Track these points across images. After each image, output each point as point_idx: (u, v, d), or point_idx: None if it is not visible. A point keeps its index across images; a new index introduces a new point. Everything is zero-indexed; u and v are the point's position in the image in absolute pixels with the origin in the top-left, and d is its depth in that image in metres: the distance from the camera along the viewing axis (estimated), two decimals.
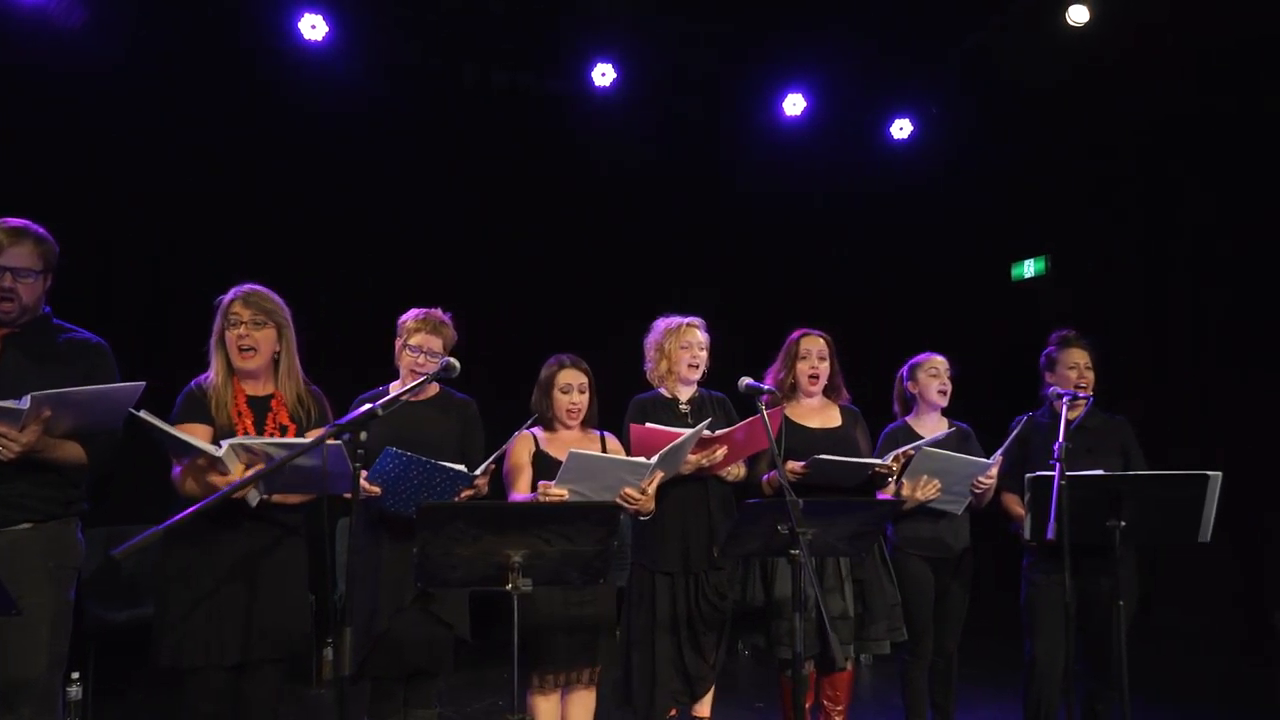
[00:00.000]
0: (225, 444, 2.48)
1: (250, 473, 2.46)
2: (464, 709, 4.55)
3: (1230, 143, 5.44)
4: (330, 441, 2.35)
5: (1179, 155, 5.72)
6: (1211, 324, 5.61)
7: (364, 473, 2.49)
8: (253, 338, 2.72)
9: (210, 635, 2.60)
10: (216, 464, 2.48)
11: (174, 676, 2.64)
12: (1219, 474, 2.92)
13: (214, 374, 2.75)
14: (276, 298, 2.81)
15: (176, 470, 2.62)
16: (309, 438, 2.71)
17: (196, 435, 2.57)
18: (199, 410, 2.70)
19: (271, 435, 2.71)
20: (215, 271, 3.03)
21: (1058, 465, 2.92)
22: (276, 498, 2.66)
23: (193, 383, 2.78)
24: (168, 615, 2.64)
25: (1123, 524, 2.93)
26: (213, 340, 2.77)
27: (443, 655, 3.01)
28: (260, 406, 2.76)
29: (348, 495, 2.33)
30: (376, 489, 2.73)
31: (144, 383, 2.41)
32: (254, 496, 2.57)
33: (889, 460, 3.31)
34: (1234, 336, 5.51)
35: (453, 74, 5.92)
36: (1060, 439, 2.98)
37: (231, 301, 2.75)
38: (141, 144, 5.12)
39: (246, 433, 2.67)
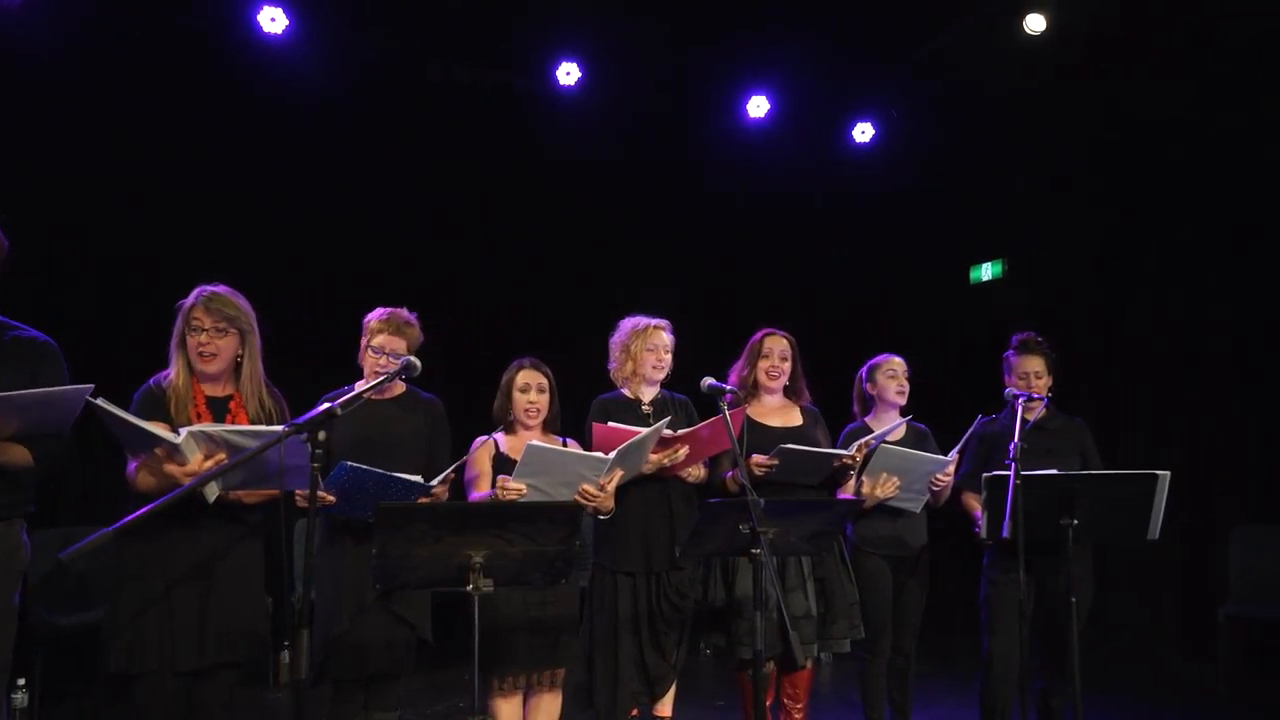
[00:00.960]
0: (184, 431, 2.42)
1: (209, 467, 2.40)
2: (424, 711, 4.51)
3: (1183, 147, 5.57)
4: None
5: (1133, 160, 5.85)
6: (1163, 325, 5.75)
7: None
8: (214, 345, 2.67)
9: (164, 638, 2.54)
10: (175, 454, 2.42)
11: (125, 682, 2.57)
12: (1167, 473, 3.00)
13: (174, 374, 2.69)
14: (241, 301, 2.74)
15: (132, 466, 2.57)
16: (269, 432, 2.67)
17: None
18: (157, 408, 2.64)
19: None
20: (175, 268, 2.98)
21: (1013, 465, 2.98)
22: (234, 495, 2.61)
23: (151, 381, 2.72)
24: (119, 618, 2.57)
25: (1076, 522, 3.00)
26: (174, 342, 2.71)
27: (404, 657, 2.98)
28: (219, 407, 2.71)
29: (303, 494, 2.29)
30: (331, 497, 2.70)
31: (92, 385, 2.35)
32: (212, 492, 2.51)
33: (853, 450, 3.34)
34: (1185, 338, 5.65)
35: (416, 70, 5.87)
36: (1016, 439, 3.03)
37: (193, 307, 2.68)
38: (95, 136, 5.02)
39: None
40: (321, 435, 2.22)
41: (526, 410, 3.19)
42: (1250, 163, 5.25)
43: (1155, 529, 3.07)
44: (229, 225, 5.37)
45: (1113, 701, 4.54)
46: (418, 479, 2.75)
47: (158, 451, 2.44)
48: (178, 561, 2.58)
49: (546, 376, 3.25)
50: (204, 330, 2.66)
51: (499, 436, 3.23)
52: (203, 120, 5.34)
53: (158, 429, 2.43)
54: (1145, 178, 5.80)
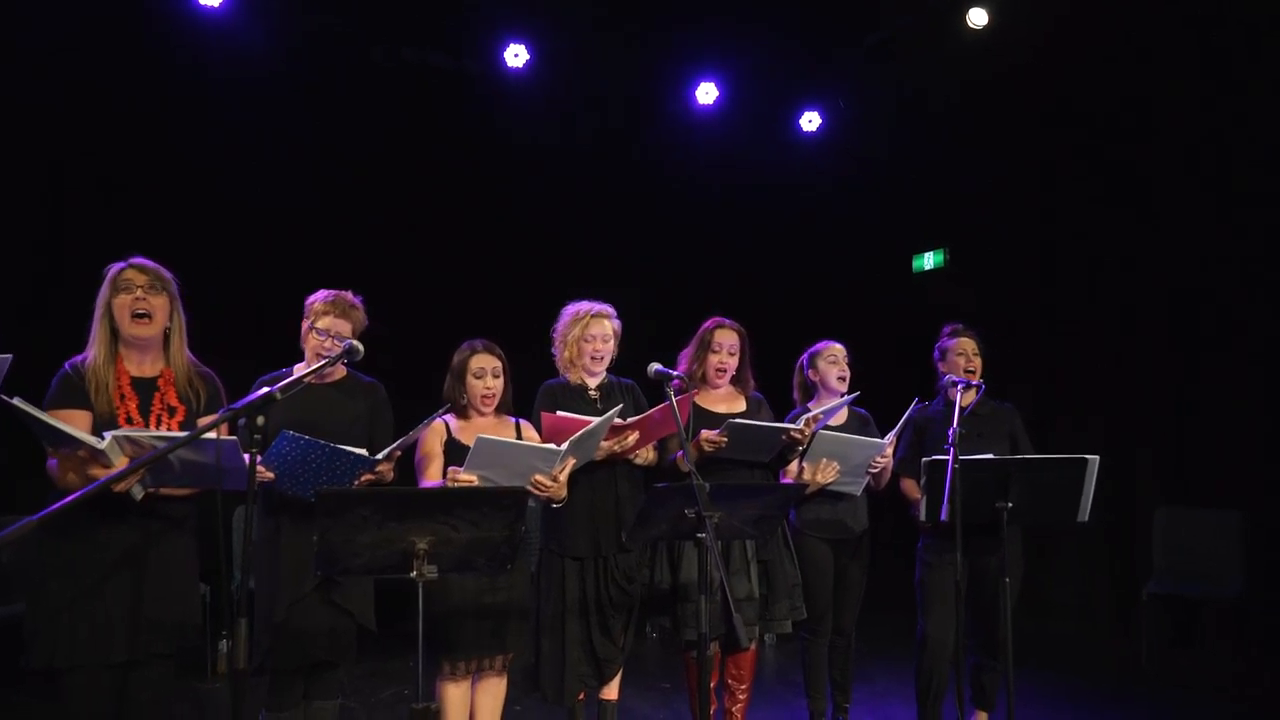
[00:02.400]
0: (109, 435, 2.32)
1: (133, 462, 2.31)
2: (369, 699, 4.47)
3: (1121, 141, 5.75)
4: (224, 437, 2.25)
5: (1071, 154, 6.01)
6: (1095, 315, 5.94)
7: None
8: (149, 302, 2.57)
9: (93, 632, 2.46)
10: (99, 456, 2.33)
11: (50, 678, 2.47)
12: (1096, 458, 3.11)
13: (94, 353, 2.57)
14: (167, 271, 2.67)
15: (53, 462, 2.47)
16: (201, 423, 2.60)
17: (75, 423, 2.41)
18: (76, 395, 2.52)
19: (158, 416, 2.57)
20: (98, 247, 2.85)
21: (951, 450, 3.06)
22: (165, 491, 2.52)
23: (66, 365, 2.59)
24: (44, 613, 2.47)
25: (1010, 505, 3.08)
26: (96, 314, 2.59)
27: (345, 645, 2.95)
28: (145, 388, 2.60)
29: (242, 490, 2.23)
30: (270, 474, 2.64)
31: (10, 355, 2.25)
32: (138, 492, 2.40)
33: (801, 425, 3.39)
34: (1115, 328, 5.85)
35: (360, 51, 5.74)
36: (954, 425, 3.11)
37: (122, 270, 2.59)
38: (17, 106, 4.80)
39: (130, 417, 2.52)
40: (260, 420, 2.17)
41: (483, 397, 3.16)
42: (1187, 158, 5.43)
43: (1085, 511, 3.18)
44: (162, 205, 5.20)
45: (1042, 677, 4.71)
46: (363, 452, 2.70)
47: (80, 453, 2.35)
48: (106, 555, 2.49)
49: (500, 360, 3.22)
50: (137, 287, 2.57)
51: (450, 420, 3.19)
52: (135, 95, 5.16)
53: (80, 433, 2.33)
54: (1083, 170, 5.97)
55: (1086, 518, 3.19)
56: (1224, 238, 5.27)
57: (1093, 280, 5.96)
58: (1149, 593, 4.90)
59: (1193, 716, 4.28)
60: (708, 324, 3.61)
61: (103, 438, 2.32)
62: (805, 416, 3.44)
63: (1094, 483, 3.13)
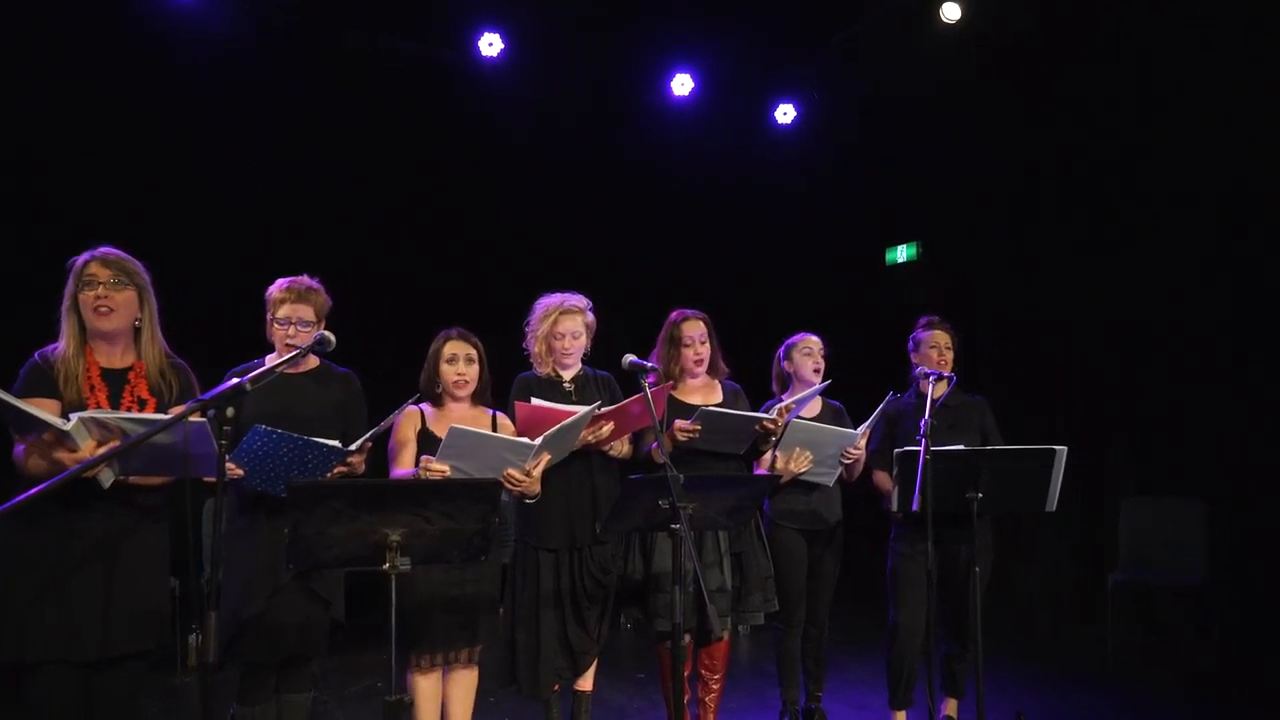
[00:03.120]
0: (74, 417, 2.28)
1: (102, 450, 2.27)
2: (341, 692, 4.44)
3: (1092, 138, 5.82)
4: (193, 419, 2.21)
5: (1043, 148, 6.08)
6: (1063, 309, 6.02)
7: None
8: (111, 299, 2.52)
9: (61, 627, 2.41)
10: (65, 439, 2.28)
11: (13, 675, 2.42)
12: (1064, 449, 3.15)
13: (64, 343, 2.53)
14: (136, 263, 2.61)
15: (19, 449, 2.42)
16: (171, 412, 2.56)
17: (42, 410, 2.36)
18: (44, 384, 2.48)
19: (129, 409, 2.52)
20: (67, 236, 2.80)
21: (923, 441, 3.09)
22: (135, 479, 2.48)
23: (36, 354, 2.54)
24: (11, 605, 2.41)
25: (980, 496, 3.12)
26: (64, 306, 2.54)
27: (318, 638, 2.92)
28: (116, 379, 2.56)
29: (211, 479, 2.20)
30: (240, 470, 2.61)
31: None
32: (107, 477, 2.37)
33: (774, 415, 3.41)
34: (1081, 321, 5.93)
35: (334, 37, 5.67)
36: (926, 416, 3.14)
37: (87, 262, 2.53)
38: None
39: (99, 407, 2.48)
40: (230, 412, 2.14)
41: (455, 382, 3.15)
42: (1157, 155, 5.51)
43: (1053, 501, 3.23)
44: (131, 195, 5.11)
45: (1011, 665, 4.79)
46: (336, 444, 2.67)
47: (45, 436, 2.30)
48: (74, 548, 2.45)
49: (475, 347, 3.20)
50: (100, 283, 2.51)
51: (425, 408, 3.17)
52: (103, 83, 5.06)
53: (45, 414, 2.28)
54: (1055, 165, 6.04)
55: (1054, 507, 3.24)
56: (1189, 233, 5.37)
57: (1061, 274, 6.04)
58: (1115, 581, 4.98)
59: (1157, 701, 4.37)
60: (673, 317, 3.59)
61: (68, 419, 2.28)
62: (778, 406, 3.46)
63: (1061, 473, 3.17)
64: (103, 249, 2.57)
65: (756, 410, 3.71)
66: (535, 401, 3.22)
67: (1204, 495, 5.10)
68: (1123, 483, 5.63)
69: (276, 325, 2.91)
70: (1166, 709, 4.27)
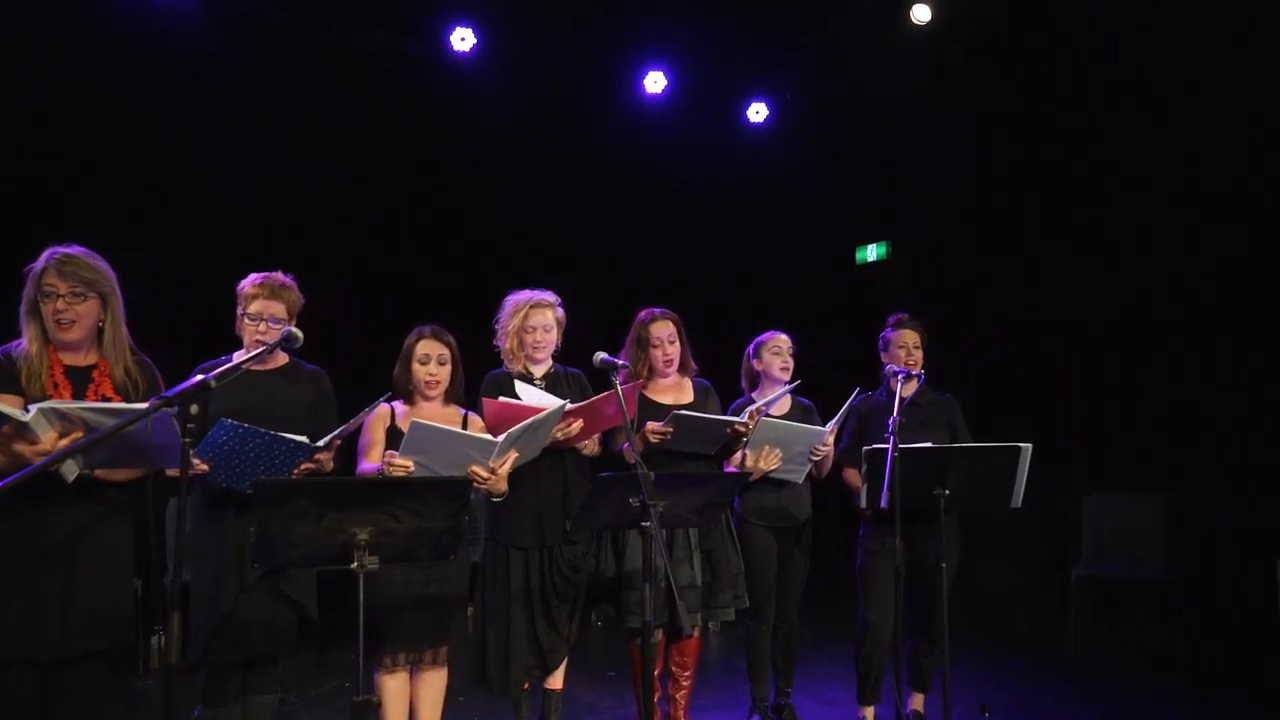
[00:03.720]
0: (34, 408, 2.22)
1: (66, 444, 2.23)
2: (308, 693, 4.40)
3: (1058, 140, 5.90)
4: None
5: (1012, 149, 6.16)
6: (1029, 308, 6.11)
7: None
8: (72, 311, 2.46)
9: (21, 625, 2.36)
10: (25, 432, 2.23)
11: None
12: (1029, 446, 3.20)
13: (27, 342, 2.48)
14: (98, 262, 2.53)
15: None
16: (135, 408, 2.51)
17: (2, 403, 2.30)
18: (6, 379, 2.43)
19: None
20: (33, 231, 2.73)
21: (891, 438, 3.12)
22: (100, 473, 2.44)
23: None
24: None
25: (947, 492, 3.16)
26: (23, 309, 2.49)
27: (285, 637, 2.89)
28: (80, 377, 2.51)
29: (174, 473, 2.16)
30: (204, 465, 2.57)
31: None
32: (71, 471, 2.32)
33: (745, 418, 3.42)
34: (1046, 321, 6.03)
35: (307, 33, 5.58)
36: (895, 414, 3.18)
37: (44, 271, 2.46)
38: None
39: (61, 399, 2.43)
40: (194, 409, 2.11)
41: (426, 382, 3.13)
42: (1120, 155, 5.60)
43: (1018, 498, 3.27)
44: (99, 186, 5.01)
45: (976, 659, 4.85)
46: (303, 439, 2.64)
47: (5, 429, 2.25)
48: (36, 544, 2.40)
49: (449, 346, 3.18)
50: (59, 296, 2.46)
51: (397, 405, 3.15)
52: (75, 77, 4.96)
53: (3, 406, 2.23)
54: (1022, 166, 6.12)
55: (1020, 504, 3.28)
56: (1150, 233, 5.47)
57: (1025, 274, 6.14)
58: (1078, 575, 5.07)
59: (1119, 691, 4.45)
60: (641, 316, 3.59)
61: (28, 410, 2.23)
62: (749, 409, 3.47)
63: (1027, 470, 3.22)
64: (61, 251, 2.49)
65: (726, 409, 3.73)
66: (504, 399, 3.20)
67: (1164, 491, 5.21)
68: (1084, 479, 5.73)
69: (247, 321, 2.87)
70: (1128, 697, 4.35)
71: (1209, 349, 5.17)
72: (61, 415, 2.26)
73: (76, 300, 2.48)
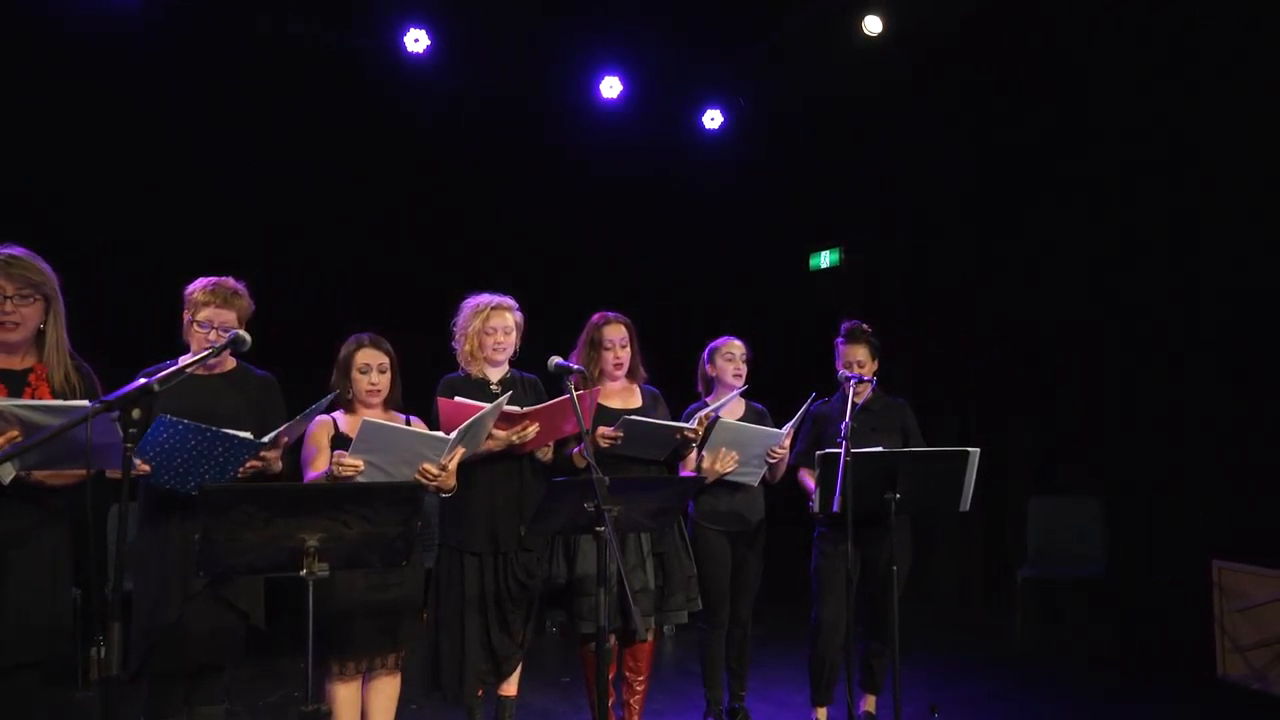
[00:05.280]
0: None
1: (2, 442, 2.15)
2: (255, 703, 4.30)
3: (1006, 150, 6.04)
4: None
5: (963, 157, 6.29)
6: (975, 316, 6.25)
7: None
8: (18, 313, 2.40)
9: None
10: None
11: None
12: (978, 450, 3.27)
13: None
14: (43, 265, 2.47)
15: None
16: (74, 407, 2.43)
17: None
18: None
19: None
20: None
21: (844, 443, 3.16)
22: (38, 475, 2.36)
23: None
24: None
25: (898, 496, 3.21)
26: None
27: (231, 646, 2.83)
28: (15, 381, 2.43)
29: (116, 475, 2.10)
30: (146, 466, 2.51)
31: None
32: (7, 473, 2.25)
33: (694, 424, 3.44)
34: (989, 329, 6.17)
35: (243, 21, 5.47)
36: (847, 419, 3.22)
37: None
38: None
39: None
40: (136, 413, 2.05)
41: (368, 391, 3.09)
42: (1065, 164, 5.75)
43: (966, 501, 3.34)
44: (33, 187, 4.86)
45: (925, 659, 4.93)
46: (247, 435, 2.58)
47: None
48: None
49: (388, 355, 3.15)
50: (6, 297, 2.39)
51: (338, 415, 3.11)
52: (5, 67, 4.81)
53: None
54: (972, 174, 6.26)
55: (969, 507, 3.35)
56: (1086, 241, 5.62)
57: (969, 282, 6.28)
58: (1022, 576, 5.19)
59: (1061, 687, 4.57)
60: (594, 319, 3.59)
61: None
62: (699, 415, 3.49)
63: (975, 474, 3.29)
64: (6, 251, 2.42)
65: (681, 413, 3.74)
66: (458, 399, 3.18)
67: (1100, 494, 5.37)
68: (1024, 482, 5.88)
69: (196, 328, 2.81)
70: (1072, 694, 4.46)
71: (1141, 357, 5.34)
72: None
73: (23, 302, 2.41)
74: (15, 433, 2.20)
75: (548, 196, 6.64)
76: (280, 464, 2.81)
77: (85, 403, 2.12)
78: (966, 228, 6.34)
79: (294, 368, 3.39)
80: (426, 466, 2.88)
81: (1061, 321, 5.78)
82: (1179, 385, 5.10)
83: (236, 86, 5.57)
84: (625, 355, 3.55)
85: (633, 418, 3.30)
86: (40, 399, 2.44)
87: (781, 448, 3.60)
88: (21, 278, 2.41)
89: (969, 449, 3.26)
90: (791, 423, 3.61)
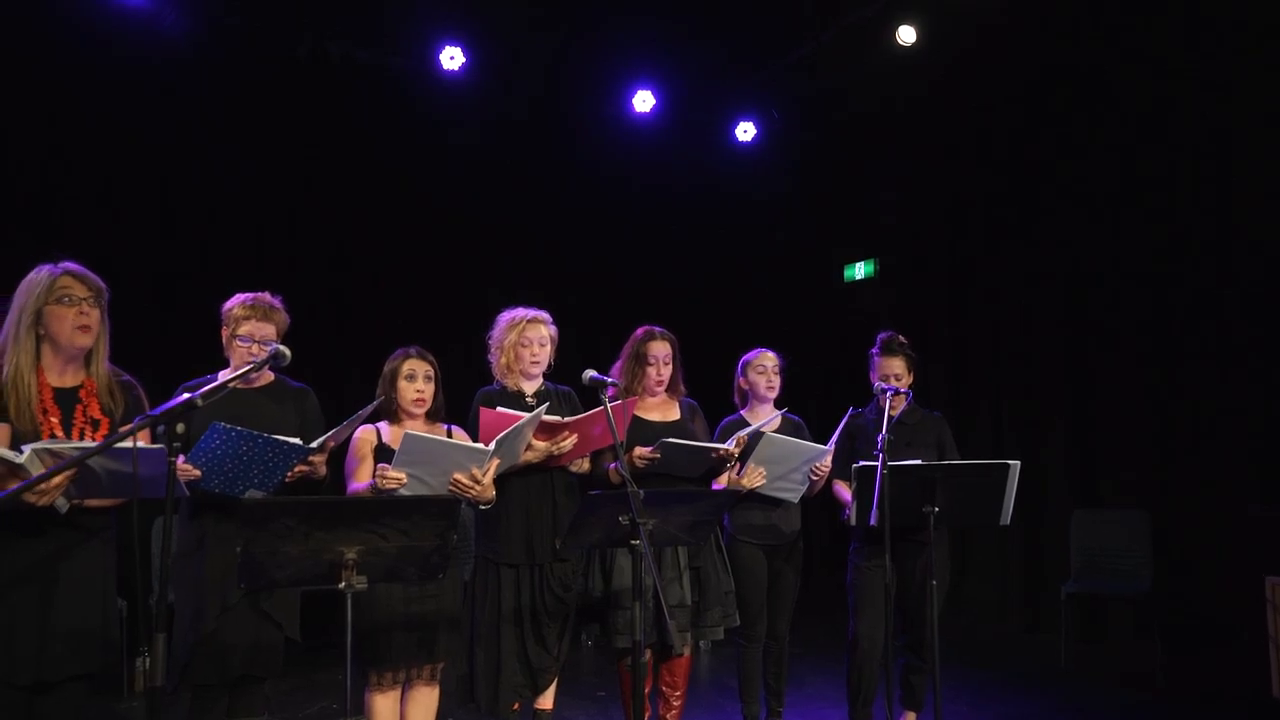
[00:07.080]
0: (27, 449, 2.20)
1: (56, 481, 2.19)
2: (296, 714, 4.35)
3: (1041, 159, 5.96)
4: (144, 445, 2.15)
5: (994, 169, 6.22)
6: (1016, 326, 6.16)
7: (182, 457, 2.33)
8: (92, 315, 2.46)
9: (2, 649, 2.33)
10: (17, 471, 2.20)
11: None
12: (1018, 463, 3.21)
13: (12, 364, 2.41)
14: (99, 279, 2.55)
15: None
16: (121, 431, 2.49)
17: None
18: None
19: (81, 430, 2.45)
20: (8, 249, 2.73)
21: (880, 456, 3.13)
22: (90, 503, 2.41)
23: None
24: None
25: (936, 509, 3.17)
26: (20, 320, 2.43)
27: (272, 658, 2.85)
28: (68, 400, 2.48)
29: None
30: (196, 471, 2.55)
31: None
32: (63, 504, 2.30)
33: (730, 445, 3.42)
34: (1024, 340, 6.07)
35: (285, 45, 5.59)
36: (884, 432, 3.18)
37: (58, 278, 2.44)
38: None
39: (53, 432, 2.41)
40: (180, 428, 2.10)
41: (414, 400, 3.13)
42: (1100, 173, 5.67)
43: (1007, 515, 3.28)
44: (77, 206, 5.00)
45: (966, 675, 4.84)
46: (297, 440, 2.63)
47: None
48: (16, 566, 2.37)
49: (432, 365, 3.19)
50: (80, 299, 2.44)
51: (382, 426, 3.15)
52: (52, 88, 4.96)
53: None
54: (1007, 183, 6.18)
55: (1009, 521, 3.29)
56: (1134, 251, 5.52)
57: (1008, 296, 6.18)
58: (1066, 592, 5.08)
59: (1105, 705, 4.45)
60: (639, 334, 3.59)
61: (21, 451, 2.21)
62: (735, 435, 3.46)
63: (1015, 487, 3.23)
64: (65, 264, 2.49)
65: (716, 425, 3.73)
66: (501, 409, 3.19)
67: (1147, 507, 5.24)
68: (1065, 496, 5.76)
69: (238, 343, 2.86)
70: (1115, 710, 4.35)
71: (1188, 369, 5.22)
72: (54, 455, 2.24)
73: (95, 306, 2.48)
74: (72, 472, 2.24)
75: (582, 210, 6.68)
76: (325, 469, 2.85)
77: (128, 444, 2.15)
78: (1002, 237, 6.25)
79: (328, 381, 3.44)
80: (458, 477, 2.90)
81: (1101, 330, 5.68)
82: (1227, 392, 4.98)
83: (272, 108, 5.67)
84: (668, 372, 3.54)
85: (670, 440, 3.29)
86: (91, 415, 2.49)
87: (824, 465, 3.57)
88: (90, 282, 2.49)
89: (1009, 462, 3.21)
90: (834, 438, 3.58)
